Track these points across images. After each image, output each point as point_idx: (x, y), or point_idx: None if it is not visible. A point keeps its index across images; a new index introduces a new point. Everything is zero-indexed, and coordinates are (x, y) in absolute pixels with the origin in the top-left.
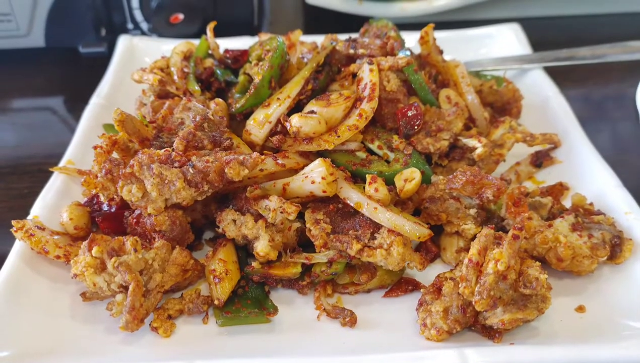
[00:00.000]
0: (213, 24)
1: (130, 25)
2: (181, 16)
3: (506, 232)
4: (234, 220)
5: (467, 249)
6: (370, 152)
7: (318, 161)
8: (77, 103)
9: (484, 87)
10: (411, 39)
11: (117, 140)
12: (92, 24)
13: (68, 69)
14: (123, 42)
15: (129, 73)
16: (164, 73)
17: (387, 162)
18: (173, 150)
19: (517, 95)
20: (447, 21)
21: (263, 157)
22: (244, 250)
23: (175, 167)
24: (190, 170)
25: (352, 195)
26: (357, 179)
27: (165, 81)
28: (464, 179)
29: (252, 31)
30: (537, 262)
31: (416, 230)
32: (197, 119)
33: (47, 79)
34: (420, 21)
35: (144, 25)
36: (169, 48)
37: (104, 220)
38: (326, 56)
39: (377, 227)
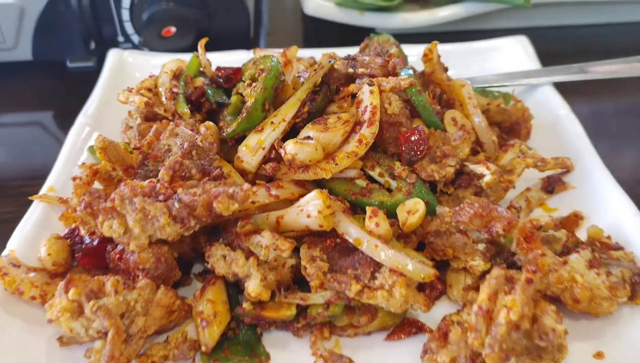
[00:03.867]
0: (204, 40)
1: (121, 38)
2: (173, 29)
3: (517, 267)
4: (224, 256)
5: (475, 287)
6: (371, 179)
7: (314, 193)
8: (66, 118)
9: (492, 106)
10: (414, 52)
11: (99, 169)
12: (81, 37)
13: (57, 82)
14: (113, 57)
15: (118, 90)
16: (152, 93)
17: (389, 190)
18: (158, 181)
19: (527, 115)
20: (451, 31)
21: (255, 188)
22: (235, 287)
23: (160, 201)
24: (176, 204)
25: (351, 231)
26: (357, 208)
27: (153, 103)
28: (472, 211)
29: (248, 44)
30: (553, 307)
31: (420, 270)
32: (185, 146)
33: (35, 93)
34: (423, 32)
35: (135, 38)
36: (160, 63)
37: (85, 256)
38: (324, 75)
39: (378, 265)
